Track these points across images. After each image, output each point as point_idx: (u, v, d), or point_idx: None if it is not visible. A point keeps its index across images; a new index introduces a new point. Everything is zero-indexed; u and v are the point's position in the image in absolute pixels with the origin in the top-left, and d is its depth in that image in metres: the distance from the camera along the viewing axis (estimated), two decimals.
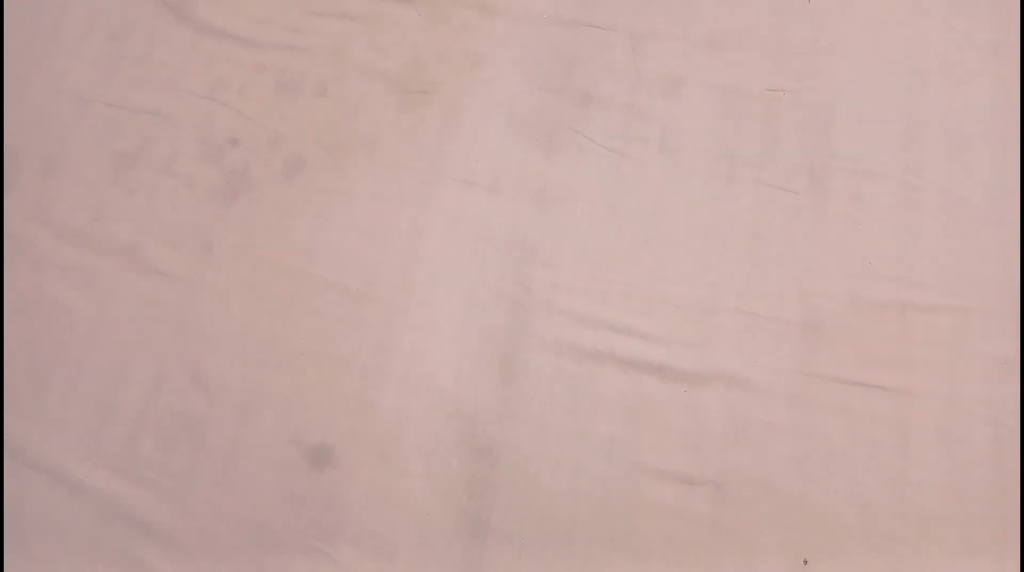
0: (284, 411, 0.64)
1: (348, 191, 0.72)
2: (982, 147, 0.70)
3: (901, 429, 0.63)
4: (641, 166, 0.72)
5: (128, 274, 0.69)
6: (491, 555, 0.60)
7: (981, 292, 0.65)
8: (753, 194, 0.70)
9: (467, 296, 0.67)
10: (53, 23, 0.80)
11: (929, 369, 0.64)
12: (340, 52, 0.78)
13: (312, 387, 0.65)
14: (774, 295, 0.66)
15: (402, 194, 0.71)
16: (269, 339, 0.66)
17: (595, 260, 0.68)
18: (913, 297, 0.65)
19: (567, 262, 0.68)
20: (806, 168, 0.71)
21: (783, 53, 0.76)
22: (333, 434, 0.63)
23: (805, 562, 0.60)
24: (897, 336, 0.65)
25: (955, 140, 0.71)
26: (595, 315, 0.66)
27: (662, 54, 0.77)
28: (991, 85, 0.73)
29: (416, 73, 0.77)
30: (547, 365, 0.65)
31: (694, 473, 0.62)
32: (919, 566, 0.60)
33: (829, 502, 0.61)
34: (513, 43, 0.78)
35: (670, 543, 0.60)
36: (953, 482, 0.62)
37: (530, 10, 0.79)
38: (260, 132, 0.74)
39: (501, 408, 0.64)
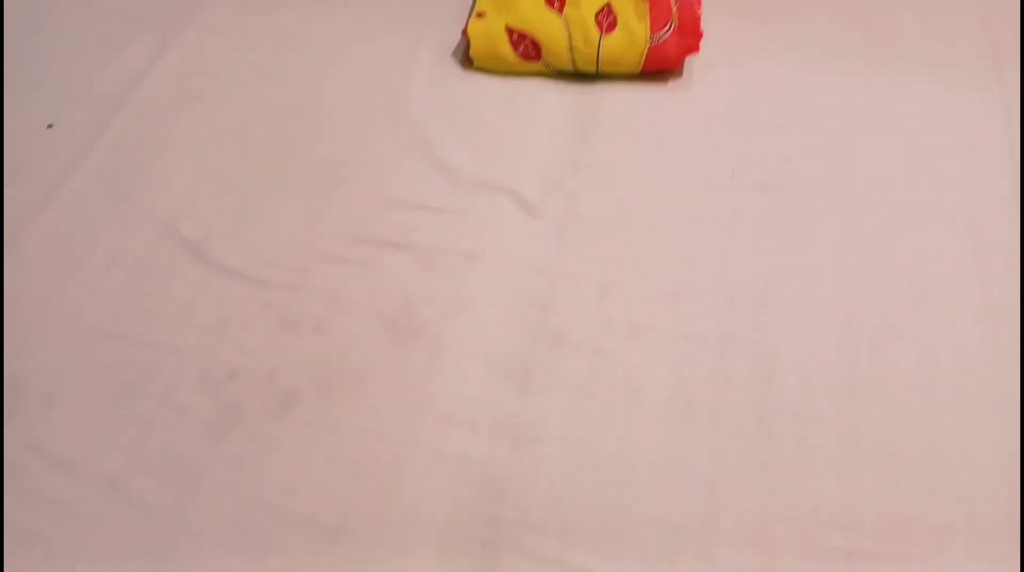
0: None
1: (336, 425, 0.77)
2: (912, 400, 0.78)
3: None
4: (607, 407, 0.78)
5: (111, 505, 0.71)
6: None
7: (921, 542, 0.70)
8: (708, 437, 0.76)
9: (439, 537, 0.70)
10: (78, 261, 0.89)
11: None
12: (340, 293, 0.86)
13: None
14: (730, 542, 0.70)
15: (387, 429, 0.77)
16: None
17: (563, 501, 0.72)
18: (859, 545, 0.69)
19: (535, 502, 0.72)
20: (755, 413, 0.77)
21: (733, 305, 0.85)
22: None
23: None
24: None
25: (887, 392, 0.78)
26: (562, 557, 0.69)
27: (627, 303, 0.85)
28: (917, 345, 0.81)
29: (407, 314, 0.85)
30: None
31: None
32: None
33: None
34: (495, 288, 0.87)
35: None
36: None
37: (511, 259, 0.89)
38: (258, 366, 0.80)
39: None
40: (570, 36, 1.04)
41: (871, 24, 1.14)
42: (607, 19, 1.04)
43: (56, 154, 0.99)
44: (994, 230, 0.90)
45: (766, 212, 0.92)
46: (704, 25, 1.08)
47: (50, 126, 1.02)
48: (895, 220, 0.91)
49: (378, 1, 1.20)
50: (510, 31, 1.05)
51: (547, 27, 1.05)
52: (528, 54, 1.06)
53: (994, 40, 1.11)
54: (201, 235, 0.91)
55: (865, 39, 1.12)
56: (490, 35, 1.06)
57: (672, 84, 1.06)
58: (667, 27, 1.04)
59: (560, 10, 1.06)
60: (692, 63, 1.07)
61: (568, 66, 1.06)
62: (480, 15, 1.08)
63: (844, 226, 0.91)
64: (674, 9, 1.05)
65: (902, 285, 0.86)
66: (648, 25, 1.03)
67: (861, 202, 0.93)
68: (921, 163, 0.97)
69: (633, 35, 1.03)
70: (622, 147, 1.00)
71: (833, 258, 0.88)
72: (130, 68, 1.10)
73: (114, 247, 0.90)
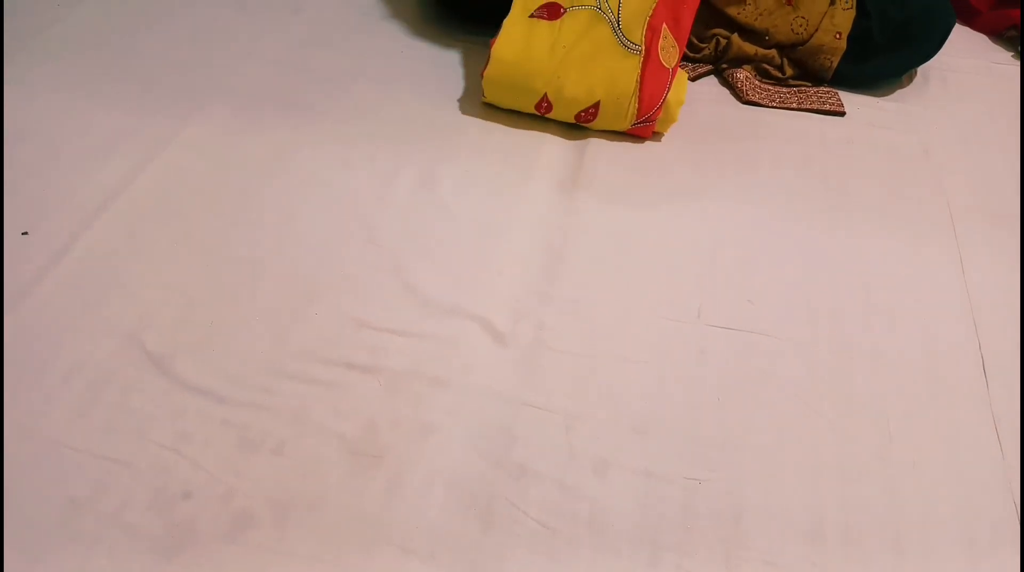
0: None
1: (289, 552, 0.74)
2: (879, 545, 0.77)
3: None
4: (570, 544, 0.77)
5: None
6: None
7: None
8: None
9: None
10: (39, 368, 0.87)
11: None
12: (302, 414, 0.85)
13: None
14: None
15: (341, 559, 0.74)
16: None
17: None
18: None
19: None
20: (722, 557, 0.76)
21: (698, 444, 0.85)
22: None
23: None
24: None
25: (854, 537, 0.78)
26: None
27: (593, 436, 0.85)
28: (883, 488, 0.82)
29: (370, 438, 0.84)
30: None
31: None
32: None
33: None
34: (461, 415, 0.86)
35: None
36: None
37: (478, 386, 0.89)
38: (214, 486, 0.78)
39: None
40: None
41: (830, 178, 1.21)
42: None
43: (27, 260, 0.99)
44: (953, 374, 0.93)
45: (731, 352, 0.94)
46: (671, 168, 1.13)
47: (25, 233, 1.02)
48: (857, 364, 0.94)
49: (359, 132, 1.25)
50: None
51: None
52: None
53: (950, 200, 1.18)
54: (165, 349, 0.90)
55: (825, 192, 1.19)
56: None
57: (640, 224, 1.11)
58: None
59: None
60: (657, 205, 1.12)
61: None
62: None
63: (807, 369, 0.93)
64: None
65: (866, 428, 0.88)
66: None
67: (823, 346, 0.96)
68: (880, 310, 1.01)
69: None
70: (591, 281, 1.02)
71: (797, 400, 0.90)
72: (110, 180, 1.12)
73: (76, 356, 0.88)
